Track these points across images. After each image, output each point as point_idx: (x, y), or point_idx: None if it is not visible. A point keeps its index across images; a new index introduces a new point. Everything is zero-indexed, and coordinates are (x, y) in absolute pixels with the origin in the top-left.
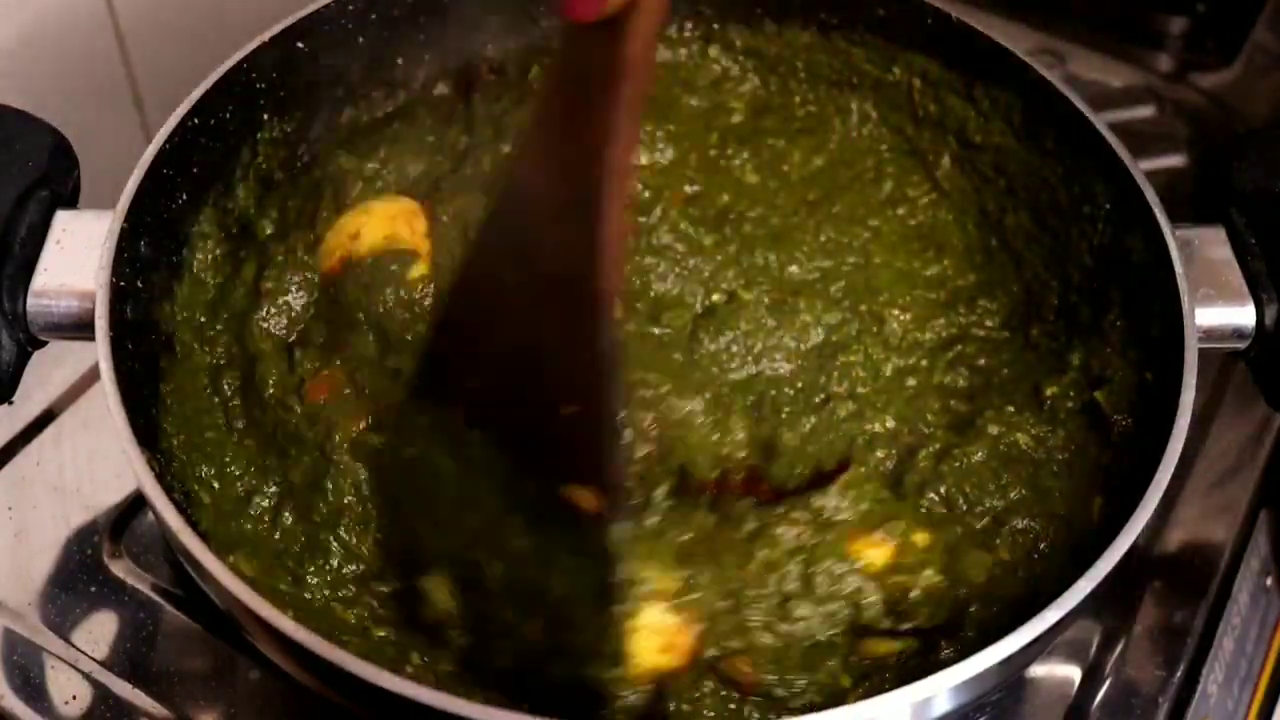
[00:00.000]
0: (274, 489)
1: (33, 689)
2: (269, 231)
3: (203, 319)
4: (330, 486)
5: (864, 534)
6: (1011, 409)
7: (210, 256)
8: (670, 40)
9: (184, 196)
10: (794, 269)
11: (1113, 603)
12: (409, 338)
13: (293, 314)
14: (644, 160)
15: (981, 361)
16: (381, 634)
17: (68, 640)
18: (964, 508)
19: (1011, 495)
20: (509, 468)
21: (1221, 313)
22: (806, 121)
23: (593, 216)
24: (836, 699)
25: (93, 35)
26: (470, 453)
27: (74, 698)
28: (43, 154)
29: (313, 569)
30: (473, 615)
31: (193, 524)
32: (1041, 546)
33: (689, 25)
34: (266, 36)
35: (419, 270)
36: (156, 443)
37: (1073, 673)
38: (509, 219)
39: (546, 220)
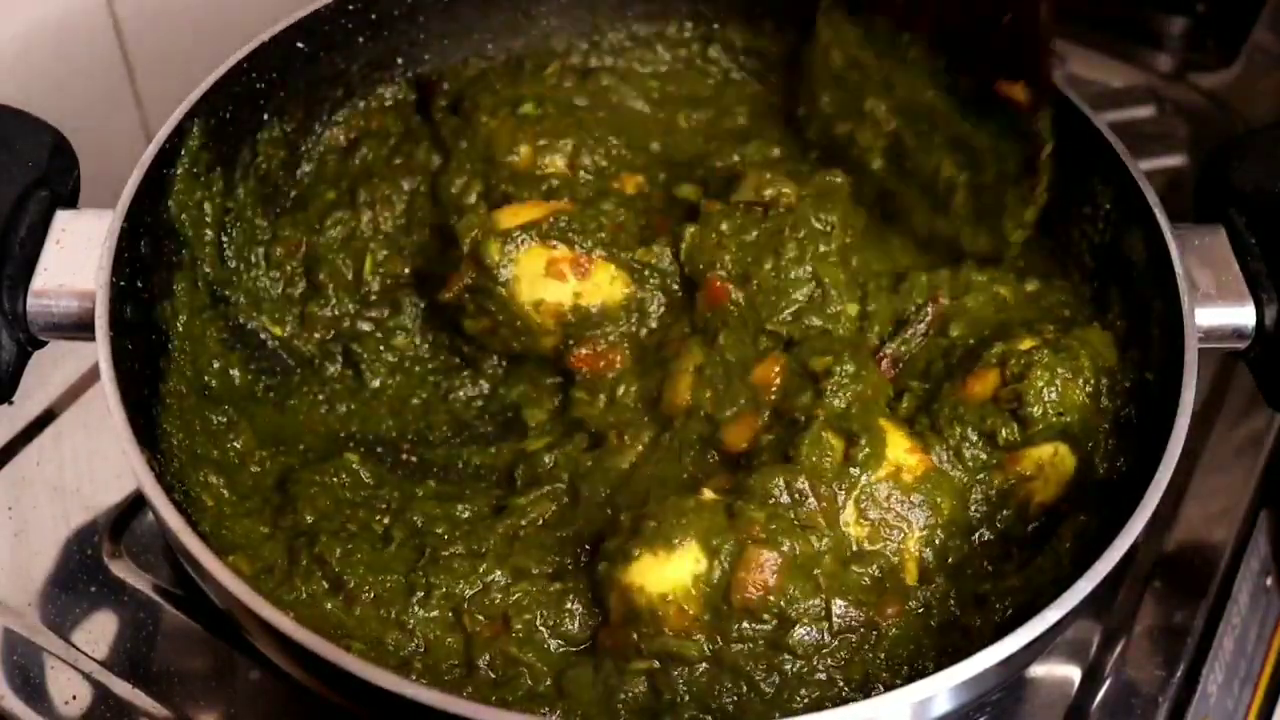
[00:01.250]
0: None
1: (33, 689)
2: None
3: (202, 319)
4: None
5: None
6: None
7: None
8: (670, 40)
9: (184, 196)
10: None
11: (1113, 603)
12: None
13: None
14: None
15: None
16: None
17: (68, 640)
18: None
19: None
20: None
21: (1221, 313)
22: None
23: None
24: None
25: (93, 35)
26: None
27: (74, 698)
28: (42, 154)
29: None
30: None
31: (192, 524)
32: None
33: (689, 25)
34: (266, 36)
35: None
36: (156, 443)
37: (1073, 673)
38: None
39: None
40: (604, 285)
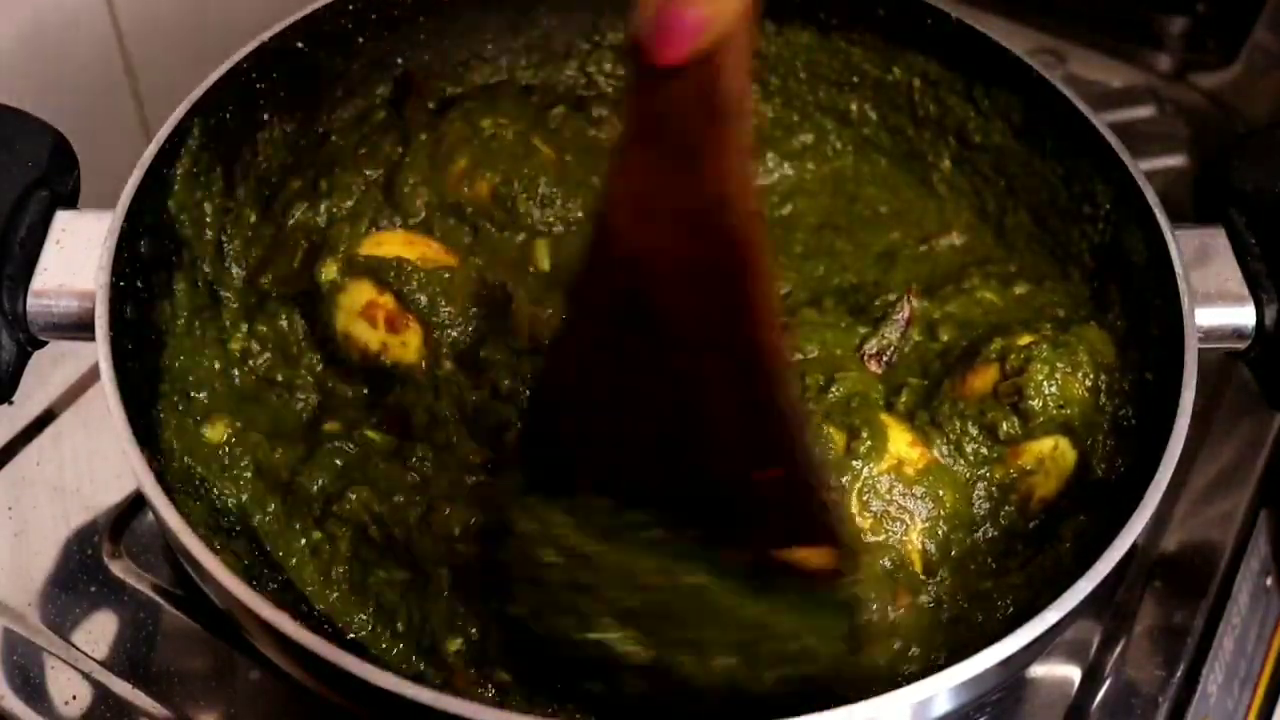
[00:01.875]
0: None
1: (33, 689)
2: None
3: (202, 319)
4: None
5: None
6: None
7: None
8: None
9: (184, 196)
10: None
11: (1113, 603)
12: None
13: None
14: None
15: None
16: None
17: (68, 640)
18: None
19: None
20: (690, 544)
21: (1221, 313)
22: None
23: (739, 270)
24: None
25: (93, 35)
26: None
27: (74, 698)
28: (42, 154)
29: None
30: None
31: (192, 524)
32: None
33: None
34: (266, 36)
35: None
36: (156, 443)
37: (1073, 673)
38: (611, 284)
39: (672, 283)
40: (410, 347)
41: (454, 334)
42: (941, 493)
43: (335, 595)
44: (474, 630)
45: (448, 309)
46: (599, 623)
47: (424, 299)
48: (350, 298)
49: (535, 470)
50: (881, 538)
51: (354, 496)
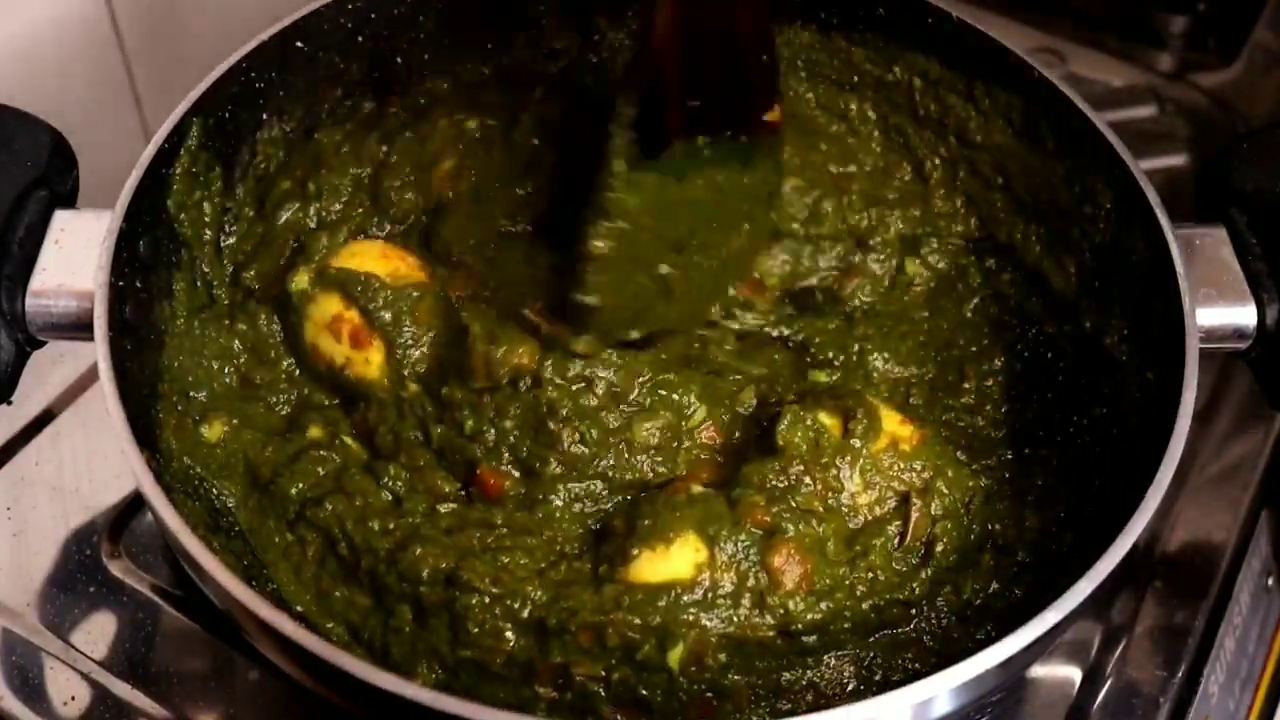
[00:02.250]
0: None
1: (32, 689)
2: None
3: (201, 319)
4: None
5: None
6: None
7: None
8: None
9: (183, 196)
10: None
11: (1113, 603)
12: None
13: None
14: None
15: None
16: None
17: (67, 641)
18: None
19: None
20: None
21: (1222, 313)
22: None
23: None
24: None
25: (93, 35)
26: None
27: (73, 698)
28: (41, 153)
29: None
30: None
31: (191, 525)
32: None
33: None
34: (266, 36)
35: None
36: (155, 443)
37: (1074, 673)
38: None
39: None
40: (373, 364)
41: (415, 354)
42: (941, 463)
43: (309, 597)
44: (438, 669)
45: (411, 329)
46: (660, 261)
47: (388, 316)
48: (319, 309)
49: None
50: (889, 509)
51: (329, 507)
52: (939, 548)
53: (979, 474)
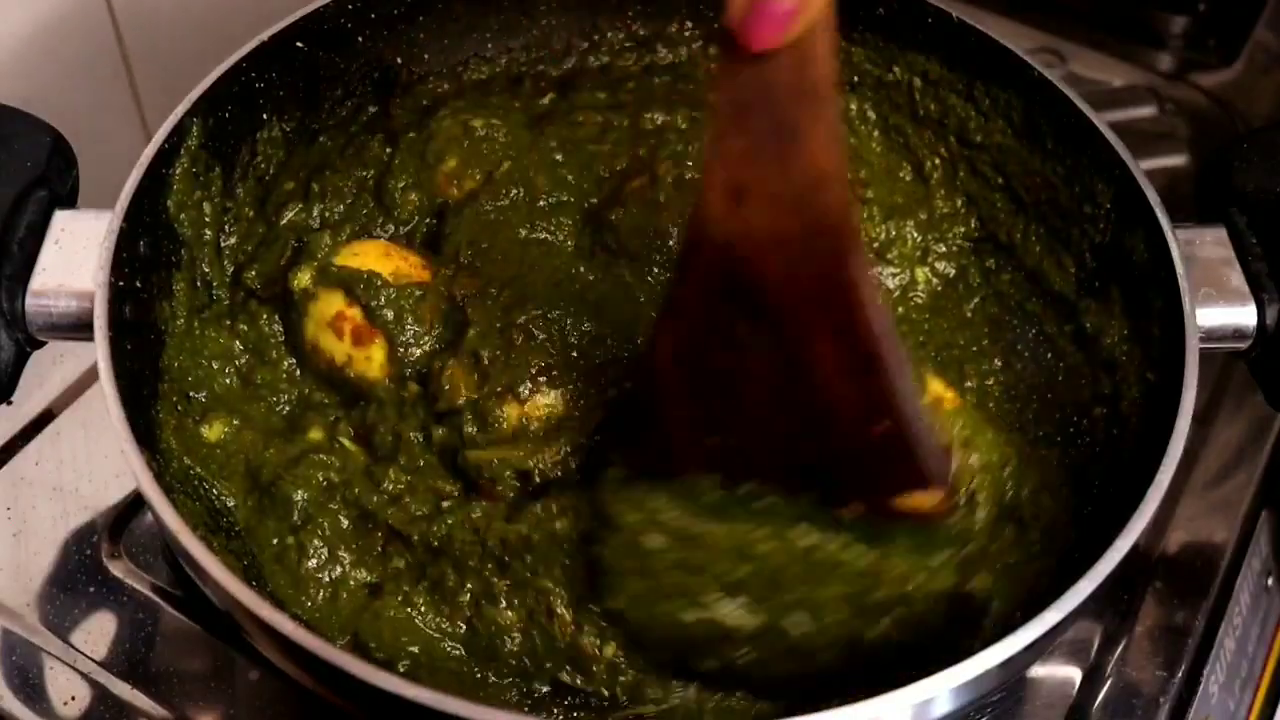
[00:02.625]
0: None
1: (32, 689)
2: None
3: (201, 319)
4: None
5: None
6: None
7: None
8: (671, 40)
9: (183, 196)
10: None
11: (1114, 603)
12: None
13: None
14: None
15: None
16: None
17: (67, 641)
18: None
19: None
20: (803, 507)
21: (1222, 313)
22: None
23: (838, 242)
24: None
25: (93, 35)
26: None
27: (73, 698)
28: (41, 154)
29: None
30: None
31: (191, 525)
32: None
33: (689, 25)
34: (266, 36)
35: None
36: (155, 443)
37: (1074, 673)
38: (712, 267)
39: (773, 261)
40: (374, 362)
41: (416, 353)
42: (979, 420)
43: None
44: None
45: (413, 327)
46: (708, 599)
47: (390, 314)
48: (321, 307)
49: (633, 460)
50: None
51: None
52: (979, 498)
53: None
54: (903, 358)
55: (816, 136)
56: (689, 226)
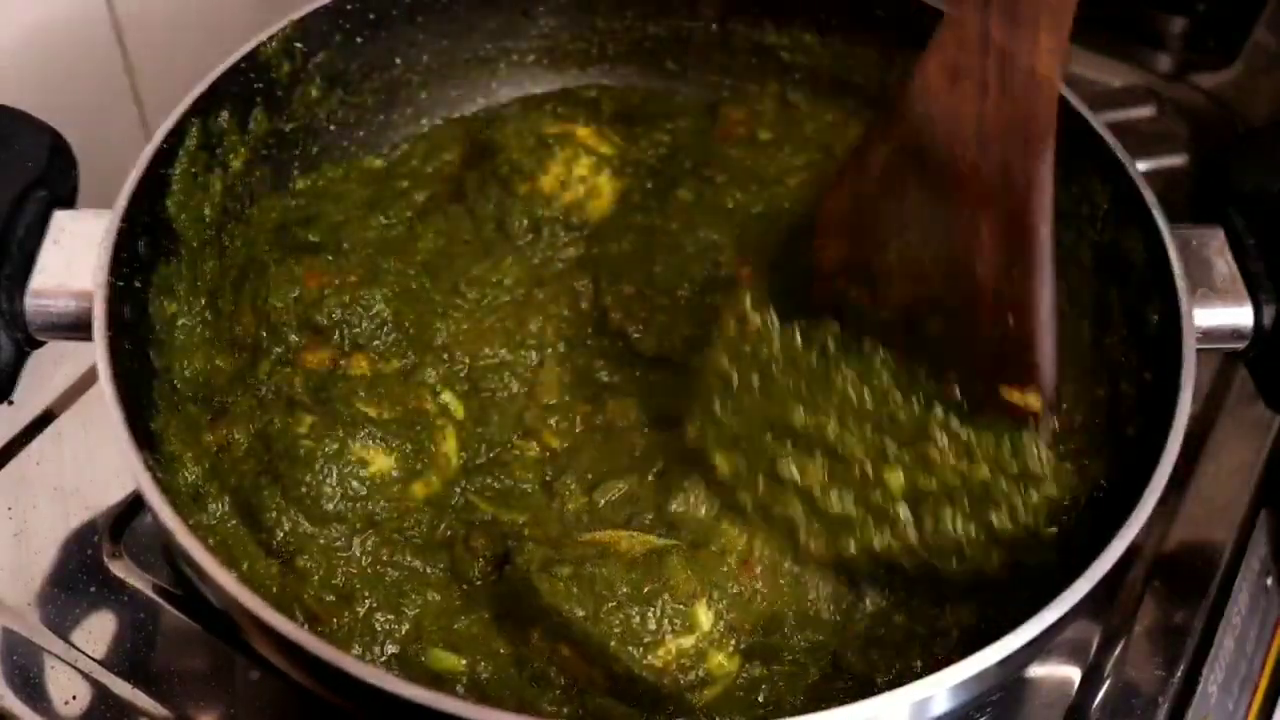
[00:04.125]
0: None
1: (32, 689)
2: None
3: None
4: None
5: None
6: None
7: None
8: None
9: (182, 196)
10: None
11: (1113, 603)
12: None
13: None
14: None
15: None
16: None
17: (67, 640)
18: None
19: None
20: (917, 375)
21: (1220, 313)
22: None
23: (1037, 137)
24: None
25: (93, 35)
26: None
27: (74, 698)
28: (41, 154)
29: None
30: None
31: (190, 525)
32: None
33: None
34: (265, 36)
35: None
36: (155, 443)
37: (1073, 673)
38: (908, 137)
39: (969, 137)
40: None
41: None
42: None
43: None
44: None
45: None
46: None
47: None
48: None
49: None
50: None
51: None
52: None
53: None
54: (1050, 266)
55: (1043, 40)
56: (897, 97)
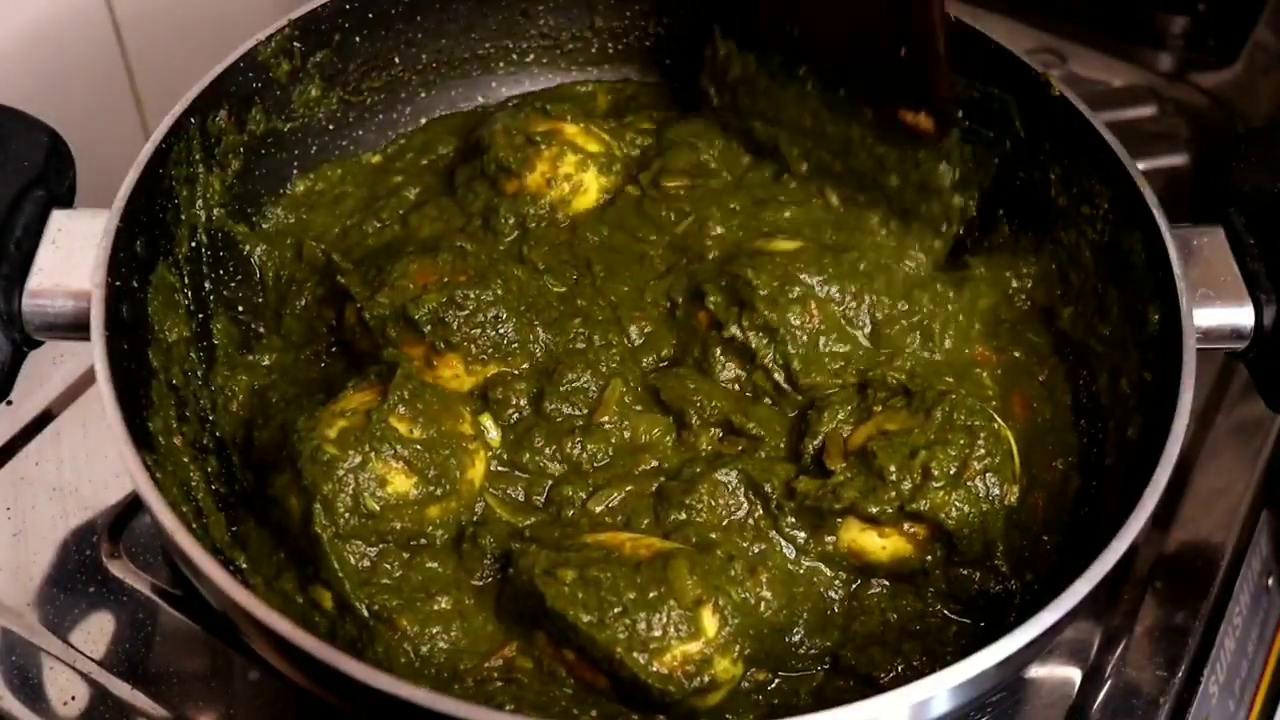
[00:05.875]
0: None
1: (31, 689)
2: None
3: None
4: None
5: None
6: None
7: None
8: None
9: (180, 196)
10: None
11: (1113, 603)
12: None
13: None
14: None
15: None
16: None
17: (66, 640)
18: None
19: None
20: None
21: (1220, 313)
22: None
23: None
24: None
25: (91, 35)
26: None
27: (72, 698)
28: (39, 154)
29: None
30: None
31: (188, 525)
32: None
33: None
34: (264, 36)
35: None
36: (153, 444)
37: (1073, 674)
38: None
39: None
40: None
41: None
42: None
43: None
44: None
45: None
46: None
47: None
48: None
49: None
50: None
51: None
52: None
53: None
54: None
55: None
56: None
